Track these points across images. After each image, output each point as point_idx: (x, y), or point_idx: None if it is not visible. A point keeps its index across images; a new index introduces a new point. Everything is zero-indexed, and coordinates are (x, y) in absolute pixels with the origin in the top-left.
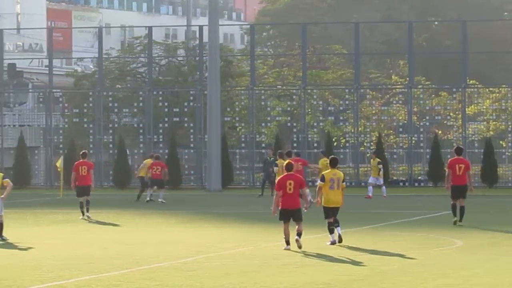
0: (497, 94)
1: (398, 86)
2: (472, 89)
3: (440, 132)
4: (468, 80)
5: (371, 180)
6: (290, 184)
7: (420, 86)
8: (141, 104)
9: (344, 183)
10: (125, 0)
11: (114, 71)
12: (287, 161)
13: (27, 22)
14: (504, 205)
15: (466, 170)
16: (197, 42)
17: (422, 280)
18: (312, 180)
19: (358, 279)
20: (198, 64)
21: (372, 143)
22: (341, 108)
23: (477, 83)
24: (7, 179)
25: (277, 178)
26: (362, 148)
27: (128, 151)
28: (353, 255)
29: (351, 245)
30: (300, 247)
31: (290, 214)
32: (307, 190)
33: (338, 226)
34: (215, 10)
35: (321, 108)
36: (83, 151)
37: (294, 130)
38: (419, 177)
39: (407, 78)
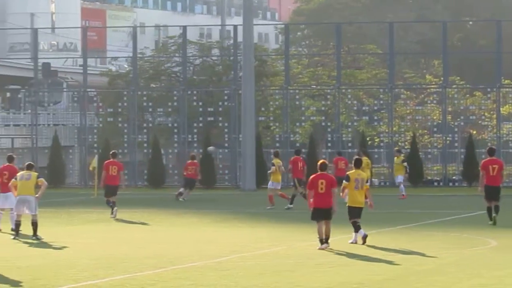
0: None
1: (432, 86)
2: (506, 89)
3: (474, 132)
4: (502, 80)
5: (400, 179)
6: (322, 183)
7: (454, 86)
8: (175, 103)
9: (368, 183)
10: (160, 0)
11: (149, 71)
12: (321, 161)
13: (61, 21)
14: None
15: (500, 170)
16: (232, 41)
17: (456, 280)
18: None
19: (392, 279)
20: (232, 63)
21: (406, 143)
22: (375, 107)
23: (511, 83)
24: (41, 179)
25: (272, 177)
26: (397, 148)
27: (162, 151)
28: (387, 254)
29: (385, 245)
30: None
31: (322, 213)
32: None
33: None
34: (250, 10)
35: (355, 108)
36: (113, 151)
37: (328, 129)
38: (454, 177)
39: (442, 78)
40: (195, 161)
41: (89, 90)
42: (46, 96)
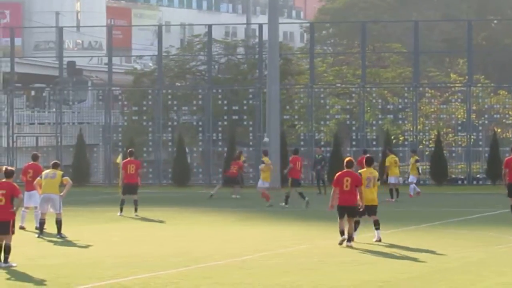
0: None
1: (457, 85)
2: None
3: (499, 130)
4: None
5: (412, 179)
6: (347, 181)
7: (479, 85)
8: (200, 102)
9: (379, 181)
10: None
11: (174, 69)
12: (348, 158)
13: (86, 20)
14: None
15: None
16: (257, 40)
17: (481, 279)
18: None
19: (417, 277)
20: (257, 62)
21: (430, 141)
22: (400, 106)
23: None
24: (66, 177)
25: (262, 176)
26: (421, 146)
27: (187, 149)
28: (412, 253)
29: (410, 243)
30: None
31: (345, 210)
32: None
33: (379, 229)
34: (275, 8)
35: (380, 106)
36: (130, 149)
37: (353, 128)
38: (478, 175)
39: (466, 77)
40: (238, 160)
41: (114, 88)
42: (71, 95)
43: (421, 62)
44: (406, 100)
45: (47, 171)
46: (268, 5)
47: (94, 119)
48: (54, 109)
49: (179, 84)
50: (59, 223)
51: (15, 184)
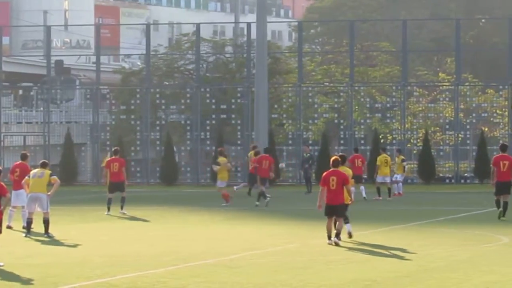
0: None
1: (445, 84)
2: None
3: (486, 129)
4: None
5: (399, 177)
6: (333, 180)
7: (467, 84)
8: (188, 101)
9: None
10: None
11: (162, 68)
12: (334, 157)
13: (74, 18)
14: None
15: (511, 166)
16: (245, 39)
17: (468, 277)
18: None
19: (404, 276)
20: (245, 61)
21: (418, 140)
22: (388, 105)
23: None
24: (54, 177)
25: (219, 176)
26: (409, 145)
27: (175, 148)
28: (400, 251)
29: (398, 242)
30: (337, 244)
31: (333, 210)
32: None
33: (348, 222)
34: (263, 7)
35: (368, 105)
36: (115, 148)
37: (341, 127)
38: (466, 174)
39: (454, 76)
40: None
41: (102, 87)
42: (58, 94)
43: (409, 61)
44: (394, 99)
45: (36, 170)
46: (257, 4)
47: (82, 118)
48: (41, 108)
49: (167, 83)
50: (46, 223)
51: (2, 183)
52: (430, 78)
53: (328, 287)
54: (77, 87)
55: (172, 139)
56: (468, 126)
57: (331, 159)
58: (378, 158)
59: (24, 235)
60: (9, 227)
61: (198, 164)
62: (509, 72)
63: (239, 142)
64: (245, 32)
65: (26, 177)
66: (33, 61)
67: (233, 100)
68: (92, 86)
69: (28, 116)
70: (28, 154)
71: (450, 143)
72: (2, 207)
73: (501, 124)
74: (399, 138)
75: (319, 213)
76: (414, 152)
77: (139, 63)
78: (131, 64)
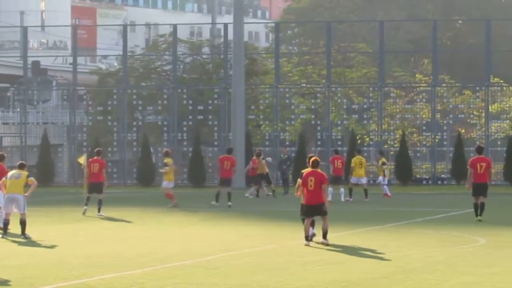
0: None
1: (422, 85)
2: (495, 88)
3: (463, 130)
4: (491, 79)
5: (381, 180)
6: (311, 180)
7: (444, 85)
8: (165, 102)
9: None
10: None
11: (139, 69)
12: (313, 158)
13: (51, 19)
14: None
15: (487, 168)
16: (222, 40)
17: (445, 278)
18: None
19: (381, 277)
20: (222, 62)
21: (395, 141)
22: (365, 106)
23: (500, 81)
24: (31, 178)
25: (165, 177)
26: (386, 146)
27: (152, 149)
28: (377, 253)
29: (375, 243)
30: (327, 244)
31: (313, 210)
32: (330, 188)
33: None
34: (240, 8)
35: (345, 106)
36: (97, 148)
37: (318, 128)
38: (443, 175)
39: (431, 77)
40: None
41: (78, 88)
42: (35, 94)
43: (387, 62)
44: (371, 100)
45: (13, 171)
46: (233, 5)
47: (58, 119)
48: (18, 109)
49: (144, 84)
50: (23, 224)
51: None
52: (407, 79)
53: None
54: (54, 88)
55: (149, 140)
56: (445, 127)
57: (311, 160)
58: (352, 160)
59: (0, 236)
60: None
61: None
62: (486, 73)
63: (216, 143)
64: (222, 33)
65: (3, 178)
66: (9, 62)
67: (210, 101)
68: (69, 87)
69: (4, 117)
70: (5, 155)
71: (427, 144)
72: None
73: (478, 125)
74: (376, 139)
75: (297, 214)
76: (391, 153)
77: (116, 64)
78: (108, 65)
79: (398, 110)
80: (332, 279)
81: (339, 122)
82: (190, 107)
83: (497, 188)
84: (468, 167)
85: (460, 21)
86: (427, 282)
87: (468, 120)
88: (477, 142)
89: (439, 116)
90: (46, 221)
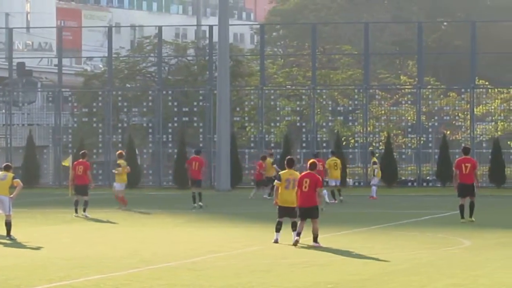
0: (506, 95)
1: (407, 87)
2: (480, 90)
3: (448, 132)
4: (476, 81)
5: (373, 181)
6: (306, 182)
7: (429, 87)
8: (150, 103)
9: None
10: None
11: (124, 71)
12: (311, 160)
13: (36, 21)
14: None
15: (473, 169)
16: (207, 41)
17: (430, 280)
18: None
19: (366, 279)
20: (208, 63)
21: (381, 143)
22: (350, 108)
23: (486, 83)
24: (17, 179)
25: (117, 178)
26: (371, 148)
27: (137, 151)
28: (362, 254)
29: (360, 245)
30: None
31: (305, 212)
32: (324, 191)
33: (296, 231)
34: (225, 10)
35: (330, 108)
36: (83, 151)
37: (304, 130)
38: (428, 177)
39: (416, 79)
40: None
41: (64, 90)
42: (20, 96)
43: (372, 63)
44: (356, 102)
45: None
46: (218, 7)
47: (44, 120)
48: (3, 111)
49: (129, 86)
50: (8, 225)
51: None
52: (392, 81)
53: None
54: (39, 89)
55: (134, 141)
56: (430, 129)
57: (309, 162)
58: (327, 162)
59: None
60: None
61: (160, 167)
62: (471, 75)
63: (201, 144)
64: (207, 35)
65: None
66: None
67: (195, 103)
68: (54, 88)
69: None
70: None
71: (412, 146)
72: None
73: (463, 127)
74: (361, 141)
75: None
76: (377, 155)
77: (101, 66)
78: (93, 66)
79: (383, 112)
80: (318, 280)
81: (324, 124)
82: (175, 109)
83: (483, 190)
84: (453, 168)
85: (445, 23)
86: (412, 284)
87: (453, 122)
88: (462, 144)
89: (424, 118)
90: (31, 222)
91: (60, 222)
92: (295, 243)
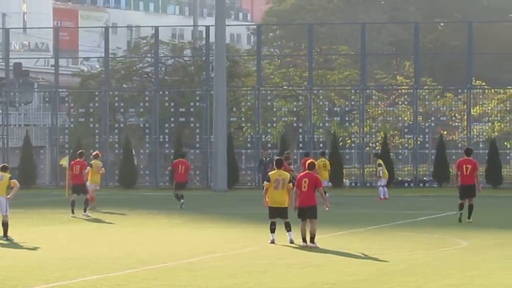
0: (503, 95)
1: (404, 87)
2: (477, 90)
3: (445, 132)
4: (473, 81)
5: (379, 182)
6: (305, 182)
7: (425, 87)
8: (147, 104)
9: (290, 183)
10: (132, 0)
11: (121, 71)
12: (309, 160)
13: (33, 21)
14: (509, 206)
15: (474, 170)
16: (204, 42)
17: (427, 280)
18: None
19: (363, 279)
20: (204, 64)
21: (377, 144)
22: (347, 108)
23: (482, 84)
24: (14, 180)
25: (89, 179)
26: (368, 149)
27: (134, 151)
28: (359, 255)
29: (357, 245)
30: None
31: (305, 212)
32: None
33: (290, 231)
34: (222, 10)
35: (327, 109)
36: (80, 151)
37: (300, 130)
38: (424, 178)
39: (413, 79)
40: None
41: (60, 90)
42: (17, 96)
43: (368, 64)
44: (353, 103)
45: None
46: (215, 7)
47: (40, 121)
48: (0, 111)
49: (126, 86)
50: (5, 225)
51: None
52: (388, 82)
53: None
54: (36, 90)
55: (130, 142)
56: (427, 130)
57: (307, 162)
58: (316, 162)
59: None
60: None
61: (157, 167)
62: (468, 75)
63: (197, 145)
64: (204, 35)
65: None
66: None
67: (191, 103)
68: (50, 89)
69: None
70: None
71: (409, 147)
72: None
73: (460, 127)
74: (358, 141)
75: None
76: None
77: (97, 66)
78: (89, 67)
79: (380, 113)
80: (314, 281)
81: (321, 124)
82: (172, 109)
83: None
84: (455, 169)
85: (442, 24)
86: (409, 285)
87: (450, 123)
88: (459, 145)
89: (421, 118)
90: (28, 223)
91: (56, 222)
92: (307, 246)
